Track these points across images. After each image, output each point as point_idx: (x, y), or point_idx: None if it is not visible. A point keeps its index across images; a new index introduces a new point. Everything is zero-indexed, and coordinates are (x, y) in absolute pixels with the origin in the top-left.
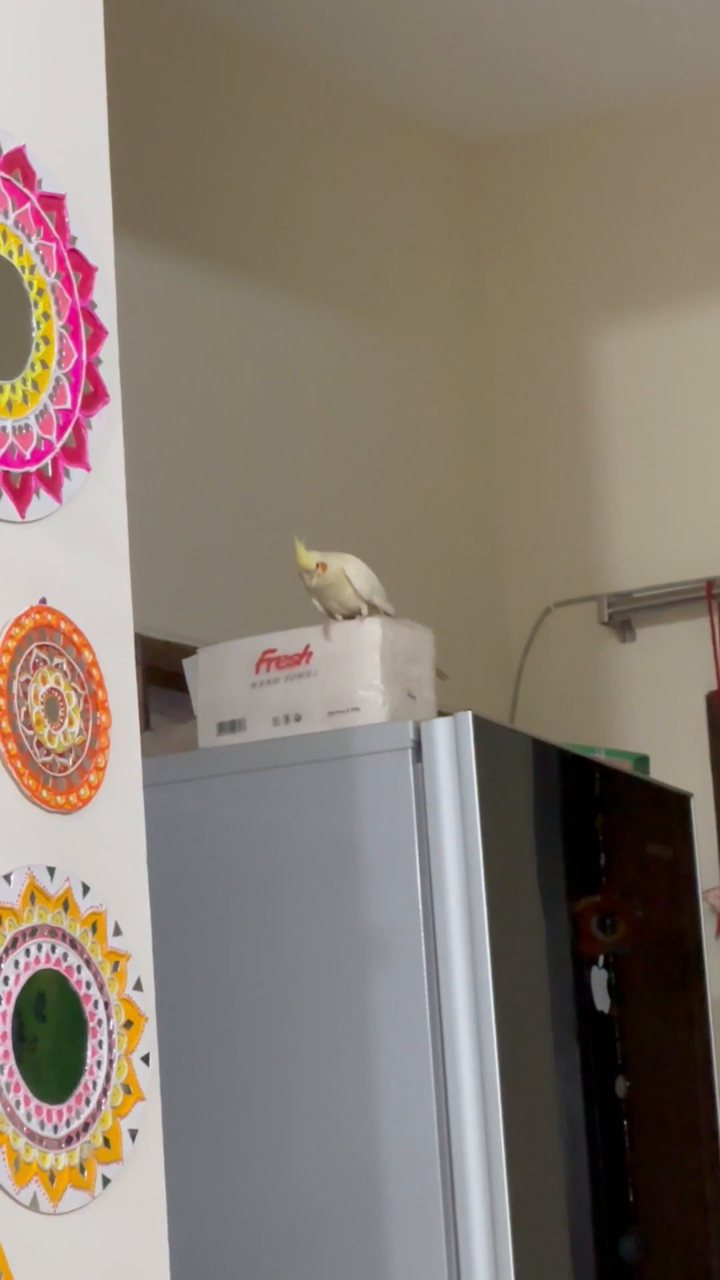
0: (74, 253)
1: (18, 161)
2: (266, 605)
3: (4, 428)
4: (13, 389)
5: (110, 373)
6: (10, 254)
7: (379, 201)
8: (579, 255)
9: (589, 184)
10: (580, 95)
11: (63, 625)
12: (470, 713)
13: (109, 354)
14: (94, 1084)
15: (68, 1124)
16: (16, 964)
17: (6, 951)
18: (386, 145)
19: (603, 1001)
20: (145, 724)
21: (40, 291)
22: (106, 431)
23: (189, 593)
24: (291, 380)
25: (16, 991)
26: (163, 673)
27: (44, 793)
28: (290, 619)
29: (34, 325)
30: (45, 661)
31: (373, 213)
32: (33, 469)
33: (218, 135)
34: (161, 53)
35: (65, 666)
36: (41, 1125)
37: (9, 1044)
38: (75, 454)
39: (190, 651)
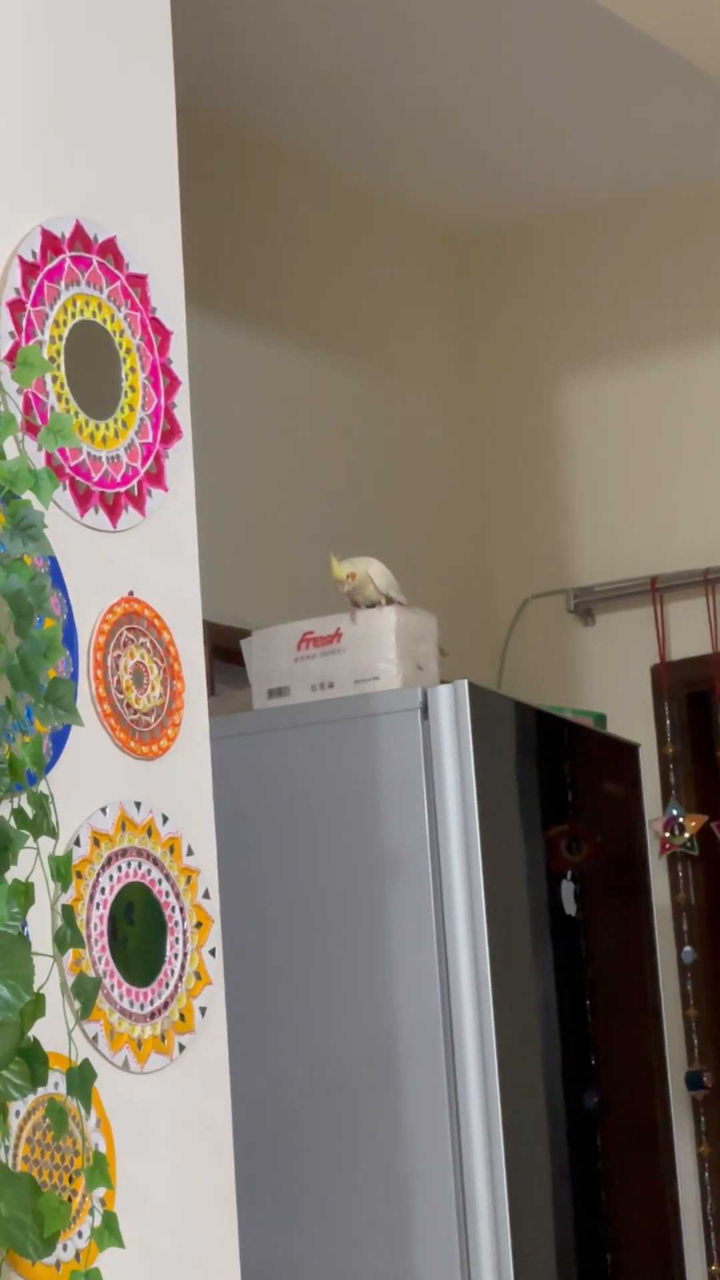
0: (154, 320)
1: (110, 249)
2: (305, 596)
3: (100, 457)
4: (107, 427)
5: (183, 414)
6: (104, 321)
7: (389, 281)
8: (553, 322)
9: (562, 265)
10: (556, 191)
11: (146, 612)
12: (466, 681)
13: (182, 399)
14: (172, 972)
15: (151, 1003)
16: (111, 877)
17: (103, 868)
18: (394, 235)
19: (570, 907)
20: (211, 690)
21: (128, 351)
22: (180, 460)
23: (245, 587)
24: (323, 419)
25: (111, 899)
26: (225, 650)
27: (132, 744)
28: (325, 607)
29: (123, 377)
30: (133, 640)
31: (385, 290)
32: (122, 490)
33: (267, 229)
34: (222, 164)
35: (148, 644)
36: (131, 1004)
37: (105, 940)
38: (156, 478)
39: (246, 634)
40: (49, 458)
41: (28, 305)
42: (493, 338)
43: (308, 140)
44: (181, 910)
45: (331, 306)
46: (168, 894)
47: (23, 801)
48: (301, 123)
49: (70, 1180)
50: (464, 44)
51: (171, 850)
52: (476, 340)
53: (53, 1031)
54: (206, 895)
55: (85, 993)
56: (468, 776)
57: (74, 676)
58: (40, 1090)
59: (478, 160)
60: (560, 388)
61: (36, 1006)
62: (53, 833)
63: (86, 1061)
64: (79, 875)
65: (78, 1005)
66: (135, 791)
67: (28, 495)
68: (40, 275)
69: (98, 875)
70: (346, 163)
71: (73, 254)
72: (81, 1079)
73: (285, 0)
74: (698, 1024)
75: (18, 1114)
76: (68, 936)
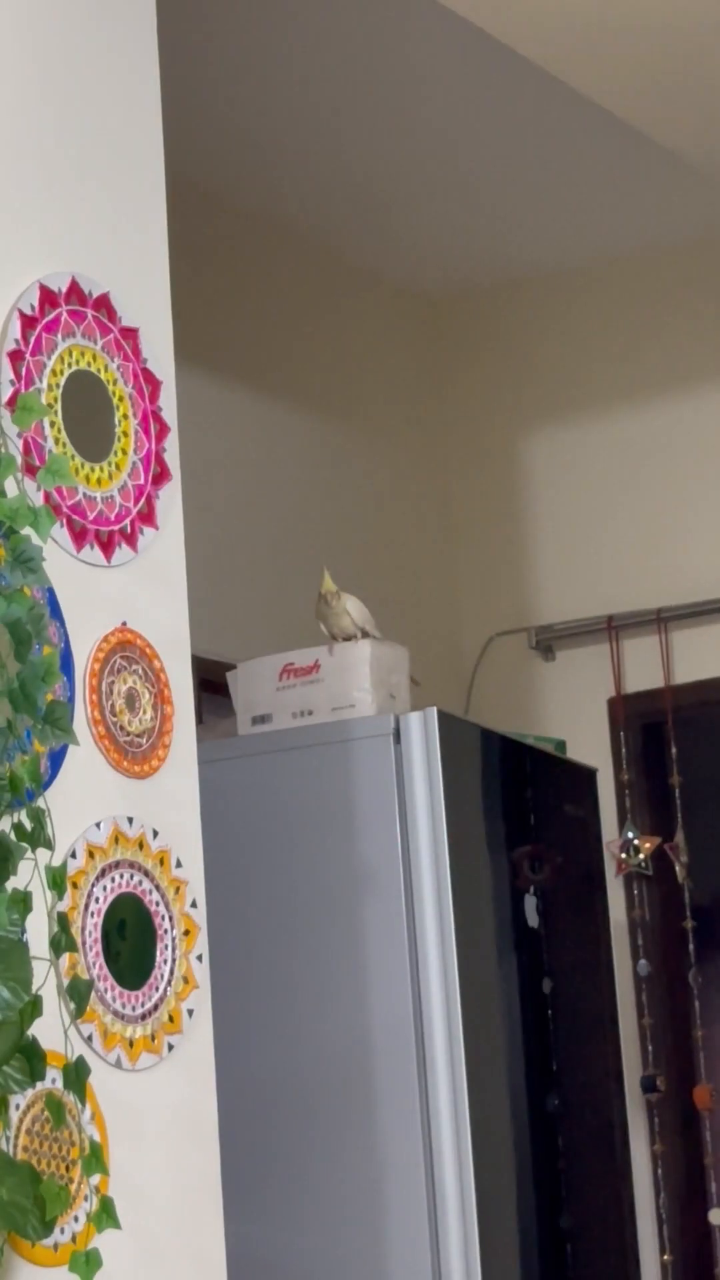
0: (145, 371)
1: (104, 304)
2: (287, 631)
3: (95, 497)
4: (101, 469)
5: (173, 458)
6: (99, 371)
7: (364, 341)
8: (516, 381)
9: (524, 328)
10: (518, 261)
11: (138, 641)
12: (436, 709)
13: (171, 444)
14: (162, 976)
15: (142, 1005)
16: (105, 888)
17: (97, 879)
18: (369, 300)
19: (533, 921)
20: (199, 719)
21: (120, 399)
22: (170, 501)
23: (231, 623)
24: (303, 468)
25: (105, 908)
26: (212, 683)
27: (125, 763)
28: (305, 641)
29: (116, 423)
30: (125, 667)
31: (359, 349)
32: (116, 528)
33: (249, 291)
34: (208, 230)
35: (140, 671)
36: (123, 1007)
37: (99, 947)
38: (147, 517)
39: (232, 667)
40: (47, 496)
41: (27, 355)
42: (460, 395)
43: (290, 213)
44: (170, 919)
45: (310, 364)
46: (158, 904)
47: (22, 816)
48: (285, 197)
49: (67, 1169)
50: (434, 130)
51: (161, 863)
52: (445, 397)
53: (50, 1031)
54: (194, 905)
55: (79, 994)
56: (437, 798)
57: (70, 700)
58: (39, 1085)
59: (446, 233)
60: (522, 441)
61: (35, 1007)
62: (49, 845)
63: (81, 1059)
64: (75, 885)
65: (72, 1006)
66: (128, 808)
67: (27, 531)
68: (39, 327)
69: (92, 885)
70: (326, 233)
71: (69, 308)
72: (77, 1075)
73: (271, 86)
74: (651, 1032)
75: (18, 1107)
76: (63, 942)
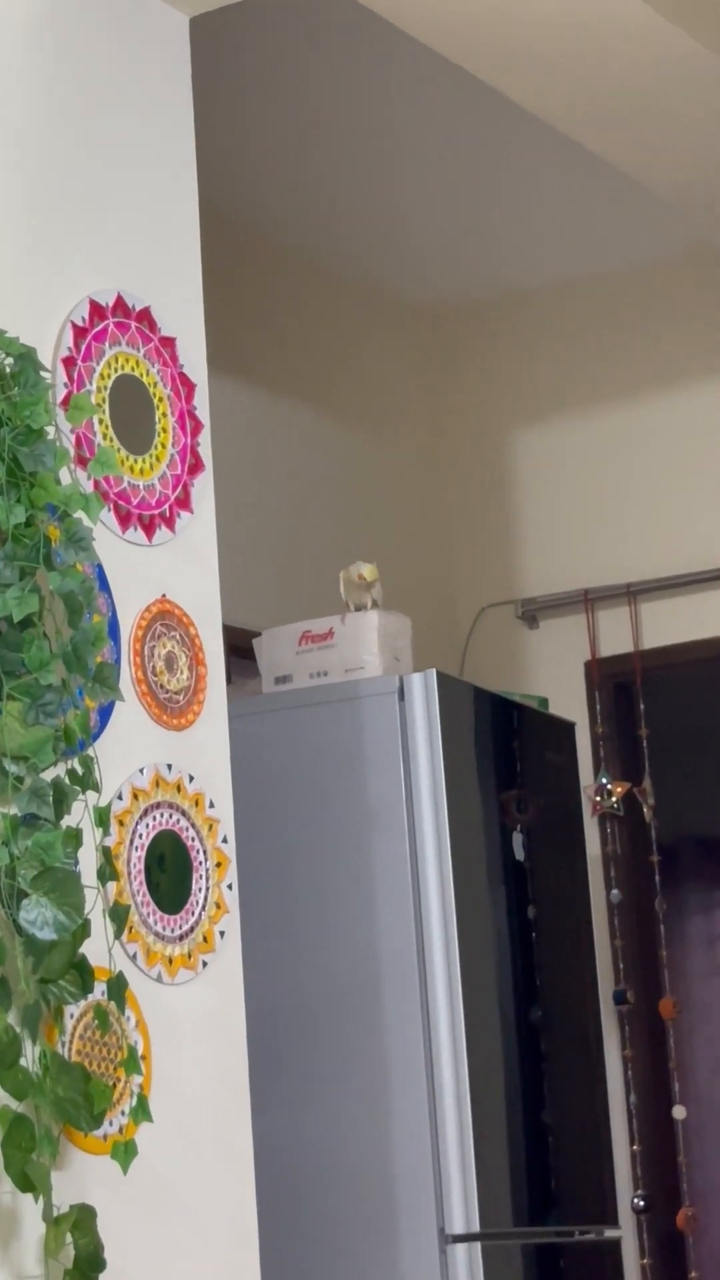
0: (181, 375)
1: (145, 316)
2: (305, 602)
3: (138, 485)
4: (143, 461)
5: (205, 451)
6: (141, 375)
7: (371, 350)
8: (506, 383)
9: (514, 338)
10: (509, 279)
11: (176, 611)
12: (435, 671)
13: (205, 440)
14: (197, 902)
15: (180, 928)
16: (147, 825)
17: (140, 818)
18: (375, 314)
19: (520, 855)
20: (229, 679)
21: (160, 400)
22: (203, 489)
23: (257, 596)
24: (318, 460)
25: (147, 844)
26: (240, 649)
27: (165, 717)
28: (321, 610)
29: (156, 421)
30: (165, 633)
31: (367, 357)
32: (156, 512)
33: (269, 308)
34: (233, 254)
35: (178, 637)
36: (164, 929)
37: (142, 878)
38: (183, 503)
39: (257, 634)
40: (96, 484)
41: (79, 361)
42: (456, 395)
43: (307, 237)
44: (204, 852)
45: (323, 371)
46: (193, 839)
47: (75, 763)
48: (302, 224)
49: (114, 1069)
50: (435, 163)
51: (196, 804)
52: (443, 397)
53: (97, 950)
54: (225, 840)
55: (119, 918)
56: (436, 748)
57: (117, 661)
58: (89, 997)
59: (445, 255)
60: (511, 436)
61: (84, 929)
62: (97, 788)
63: (121, 974)
64: (120, 824)
65: (114, 927)
66: (167, 756)
67: (79, 515)
68: (88, 337)
69: (136, 824)
70: (337, 256)
71: (115, 320)
72: (118, 987)
73: (285, 122)
74: (623, 952)
75: (72, 1016)
76: (107, 872)
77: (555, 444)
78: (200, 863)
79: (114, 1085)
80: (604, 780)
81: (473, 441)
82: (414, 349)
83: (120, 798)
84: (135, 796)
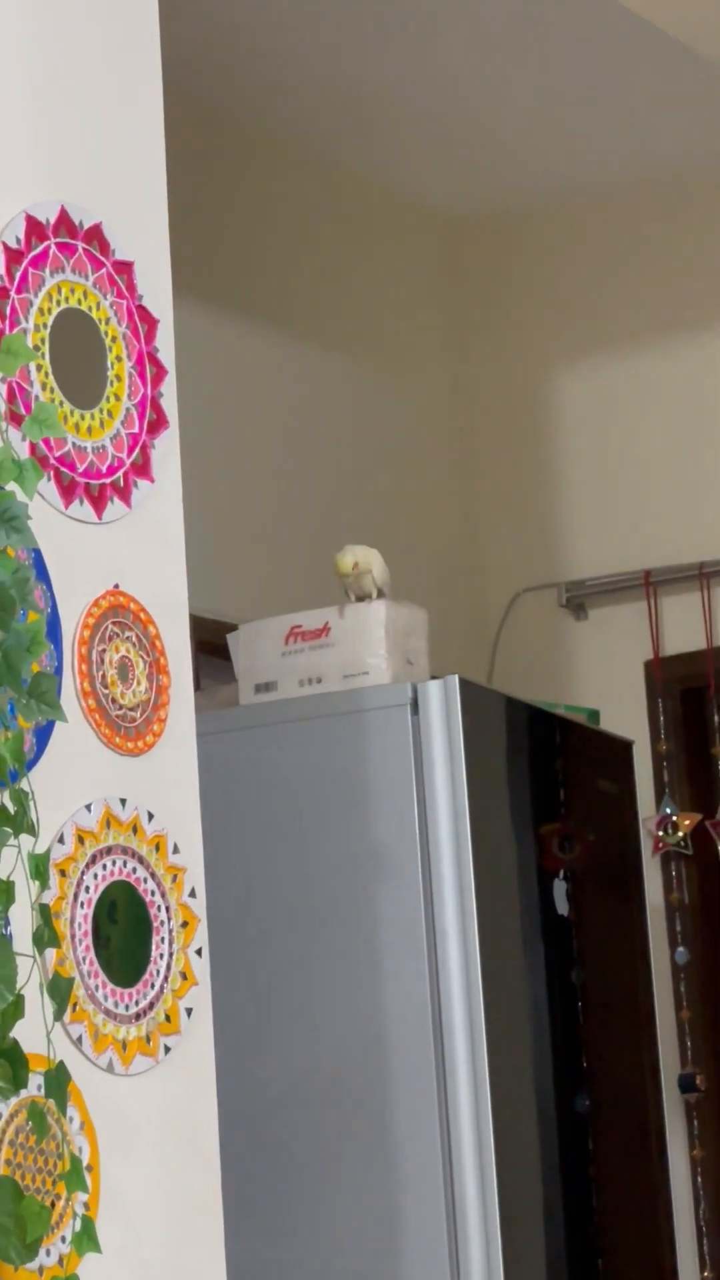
0: (140, 308)
1: (95, 235)
2: (293, 590)
3: (85, 448)
4: (92, 417)
5: (170, 404)
6: (90, 309)
7: (378, 267)
8: (547, 309)
9: (557, 251)
10: (552, 175)
11: (132, 605)
12: (457, 676)
13: (169, 389)
14: (158, 972)
15: (136, 1004)
16: (95, 875)
17: (87, 866)
18: (383, 220)
19: (563, 907)
20: (197, 685)
21: (114, 339)
22: (167, 451)
23: (231, 580)
24: (311, 409)
25: (96, 898)
26: (209, 644)
27: (117, 739)
28: (313, 601)
29: (109, 366)
30: (118, 634)
31: (373, 277)
32: (108, 481)
33: (253, 217)
34: (209, 151)
35: (134, 638)
36: (116, 1005)
37: (89, 940)
38: (142, 469)
39: (232, 628)
40: (33, 448)
41: (12, 292)
42: (485, 325)
43: (296, 125)
44: (167, 909)
45: (318, 294)
46: (153, 892)
47: (4, 799)
48: (289, 107)
49: (54, 1184)
50: (456, 23)
51: (157, 848)
52: (468, 327)
53: (34, 1032)
54: (192, 894)
55: (60, 993)
56: (458, 773)
57: (58, 671)
58: (23, 1093)
59: (470, 142)
60: (553, 375)
61: (17, 1007)
62: (33, 831)
63: (62, 1063)
64: (63, 873)
65: (53, 1006)
66: (120, 788)
67: (11, 486)
68: (25, 262)
69: (82, 873)
70: (335, 147)
71: (58, 240)
72: (58, 1081)
73: None
74: (691, 1026)
75: (1, 1116)
76: (45, 936)
77: (609, 386)
78: (162, 922)
79: (52, 1205)
80: (669, 811)
81: (505, 383)
82: (428, 265)
83: (62, 841)
84: (80, 840)
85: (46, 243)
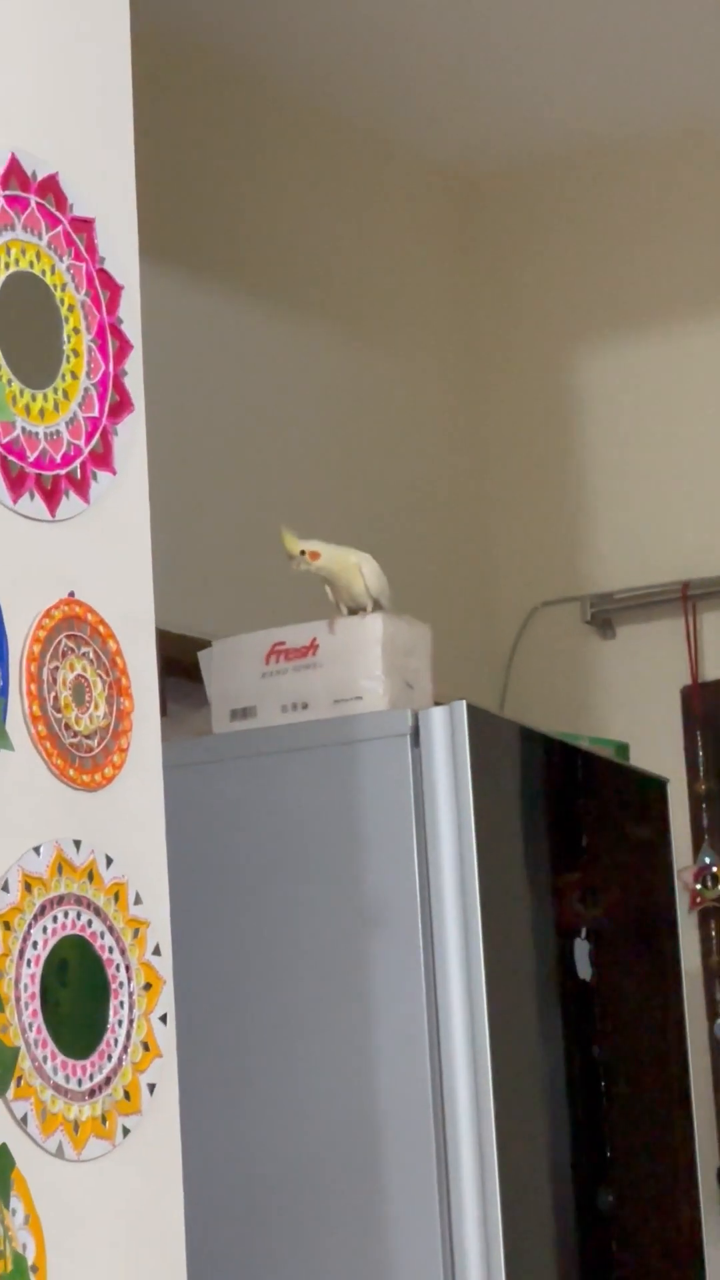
0: (102, 272)
1: (51, 187)
2: (275, 601)
3: (36, 434)
4: (45, 398)
5: (135, 384)
6: (43, 273)
7: (380, 228)
8: (565, 280)
9: (576, 215)
10: (568, 132)
11: (89, 617)
12: (465, 702)
13: (134, 366)
14: (115, 1041)
15: (91, 1078)
16: (45, 929)
17: (36, 918)
18: (385, 177)
19: (584, 970)
20: (163, 711)
21: (71, 308)
22: (131, 438)
23: (203, 589)
24: (299, 394)
25: (45, 955)
26: (178, 663)
27: (71, 771)
28: (297, 614)
29: (65, 339)
30: (73, 650)
31: (374, 238)
32: (62, 472)
33: (235, 169)
34: (185, 92)
35: (91, 655)
36: (67, 1079)
37: (37, 1004)
38: (102, 459)
39: (204, 644)
40: None
41: None
42: (498, 299)
43: (287, 64)
44: (127, 969)
45: (310, 261)
46: (111, 949)
47: None
48: (278, 46)
49: None
50: None
51: (116, 898)
52: (479, 302)
53: None
54: (157, 952)
55: (4, 1065)
56: (465, 814)
57: (3, 692)
58: None
59: (483, 91)
60: (576, 357)
61: None
62: None
63: (4, 1146)
64: (7, 926)
65: None
66: (75, 828)
67: None
68: None
69: (29, 927)
70: (330, 93)
71: (7, 193)
72: (1, 1167)
73: None
74: None
75: None
76: None
77: (640, 367)
78: (121, 984)
79: None
80: (708, 860)
81: (522, 363)
82: (438, 229)
83: (6, 890)
84: (28, 887)
85: None
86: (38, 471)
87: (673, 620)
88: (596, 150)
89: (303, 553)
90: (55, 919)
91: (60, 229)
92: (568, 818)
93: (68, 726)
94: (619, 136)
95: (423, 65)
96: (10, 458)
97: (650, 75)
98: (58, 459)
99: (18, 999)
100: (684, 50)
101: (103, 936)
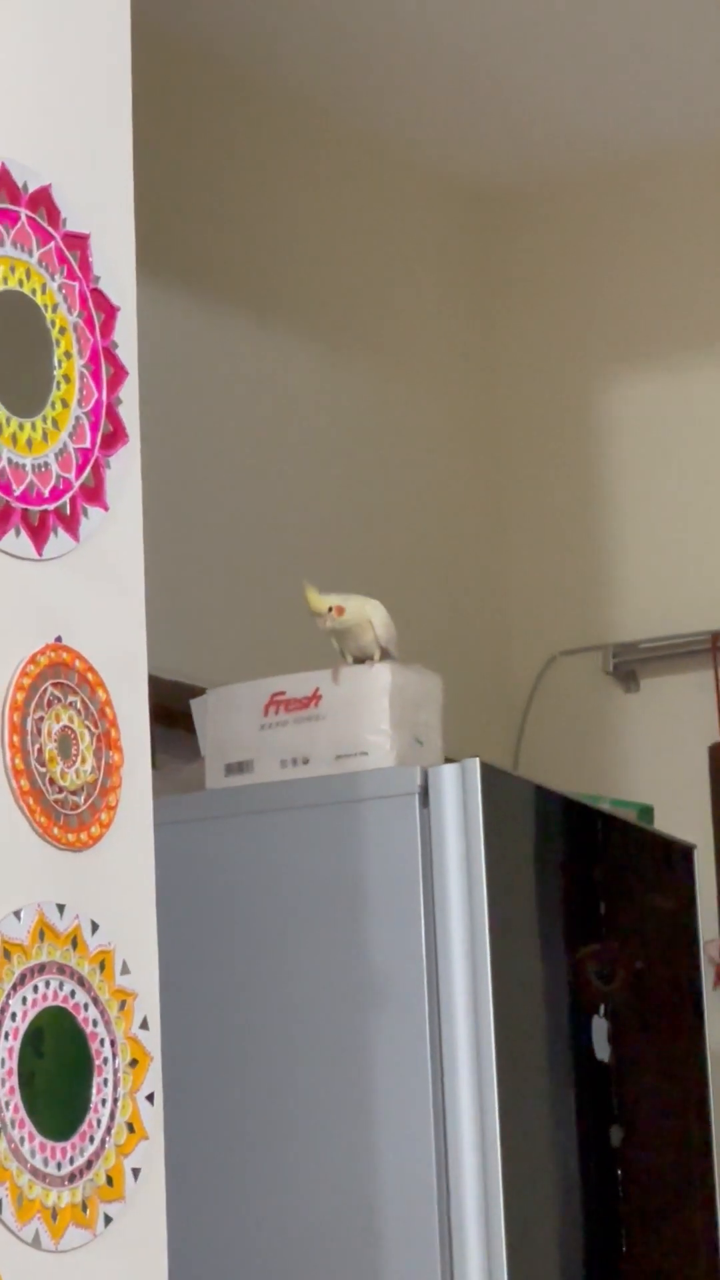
0: (96, 292)
1: (43, 200)
2: (275, 648)
3: (23, 465)
4: (33, 427)
5: (130, 413)
6: (33, 292)
7: (391, 248)
8: (586, 304)
9: (596, 234)
10: (588, 147)
11: (77, 664)
12: (477, 760)
13: (129, 394)
14: (98, 1122)
15: (71, 1161)
16: (24, 1000)
17: (15, 988)
18: (399, 194)
19: (603, 1051)
20: (154, 762)
21: (62, 330)
22: (125, 471)
23: (197, 634)
24: (304, 427)
25: (24, 1028)
26: (169, 712)
27: (55, 830)
28: (298, 662)
29: (55, 364)
30: (59, 699)
31: (385, 259)
32: (51, 507)
33: (241, 186)
34: (189, 103)
35: (79, 705)
36: (45, 1162)
37: (14, 1081)
38: (93, 493)
39: (196, 692)
40: None
41: None
42: (515, 324)
43: (292, 72)
44: (112, 1044)
45: (316, 281)
46: (95, 1023)
47: None
48: (286, 53)
49: None
50: None
51: (102, 967)
52: (494, 326)
53: None
54: (144, 1025)
55: None
56: (476, 880)
57: None
58: None
59: (500, 105)
60: (597, 388)
61: None
62: None
63: None
64: None
65: None
66: (58, 891)
67: None
68: None
69: (8, 997)
70: (343, 111)
71: None
72: None
73: None
74: None
75: None
76: None
77: (666, 400)
78: (105, 1060)
79: None
80: None
81: (539, 393)
82: (450, 247)
83: None
84: (7, 955)
85: None
86: (24, 506)
87: (701, 673)
88: (613, 167)
89: (330, 609)
90: (35, 989)
91: (52, 245)
92: (586, 885)
93: (52, 781)
94: (637, 153)
95: (437, 72)
96: None
97: (681, 93)
98: (46, 493)
99: None
100: (701, 67)
101: (86, 1009)
